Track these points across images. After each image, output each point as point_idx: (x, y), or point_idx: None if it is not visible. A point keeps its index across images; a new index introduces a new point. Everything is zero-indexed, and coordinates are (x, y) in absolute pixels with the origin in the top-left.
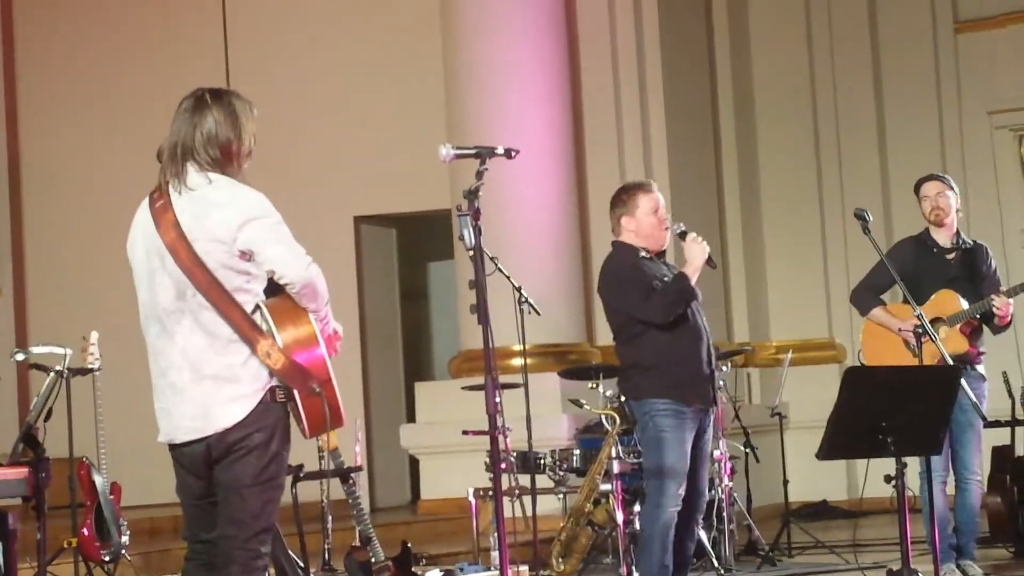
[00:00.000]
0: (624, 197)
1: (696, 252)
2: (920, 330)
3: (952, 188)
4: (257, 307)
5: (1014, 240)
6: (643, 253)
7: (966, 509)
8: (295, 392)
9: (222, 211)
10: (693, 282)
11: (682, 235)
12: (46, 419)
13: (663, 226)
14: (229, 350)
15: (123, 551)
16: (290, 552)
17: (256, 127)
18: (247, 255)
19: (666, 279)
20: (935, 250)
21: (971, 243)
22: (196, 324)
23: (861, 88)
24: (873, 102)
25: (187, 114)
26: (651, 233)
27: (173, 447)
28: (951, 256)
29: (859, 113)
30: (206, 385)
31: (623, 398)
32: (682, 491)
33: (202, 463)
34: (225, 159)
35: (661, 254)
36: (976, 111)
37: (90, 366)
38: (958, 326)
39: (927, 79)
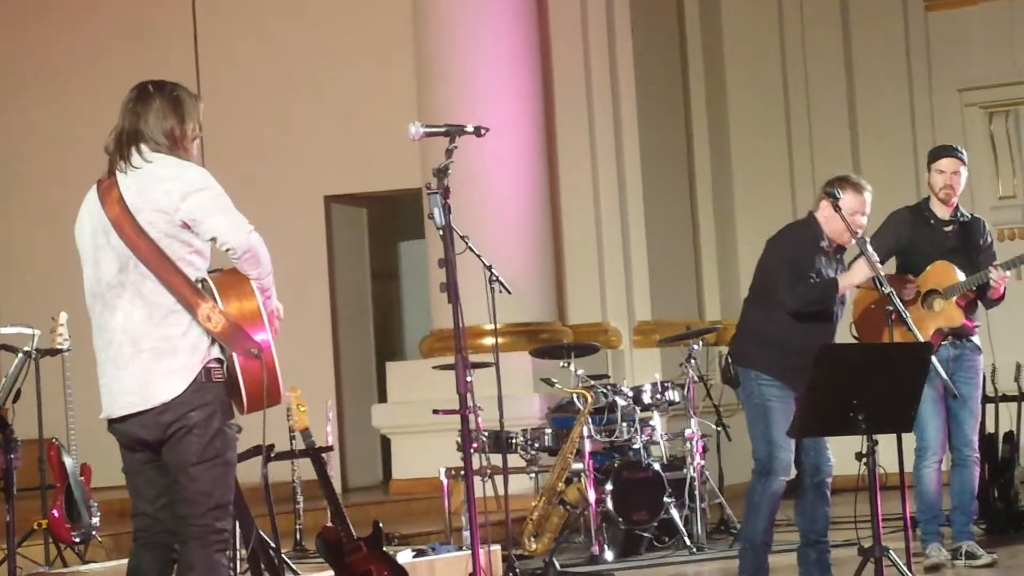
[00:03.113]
0: (837, 184)
1: (859, 271)
2: (891, 308)
3: (966, 164)
4: (202, 281)
5: (985, 218)
6: (824, 242)
7: (964, 487)
8: (234, 358)
9: (165, 184)
10: (841, 291)
11: (862, 248)
12: (15, 400)
13: (853, 230)
14: (168, 321)
15: (93, 532)
16: (261, 533)
17: (201, 116)
18: (189, 226)
19: (826, 275)
20: (932, 222)
21: (969, 216)
22: (137, 296)
23: (832, 65)
24: (844, 79)
25: (131, 104)
26: (839, 231)
27: (111, 424)
28: (949, 228)
29: (830, 90)
30: (144, 358)
31: (729, 360)
32: (791, 461)
33: (136, 442)
34: (171, 144)
35: (840, 249)
36: (947, 88)
37: (59, 347)
38: (954, 298)
39: (898, 56)
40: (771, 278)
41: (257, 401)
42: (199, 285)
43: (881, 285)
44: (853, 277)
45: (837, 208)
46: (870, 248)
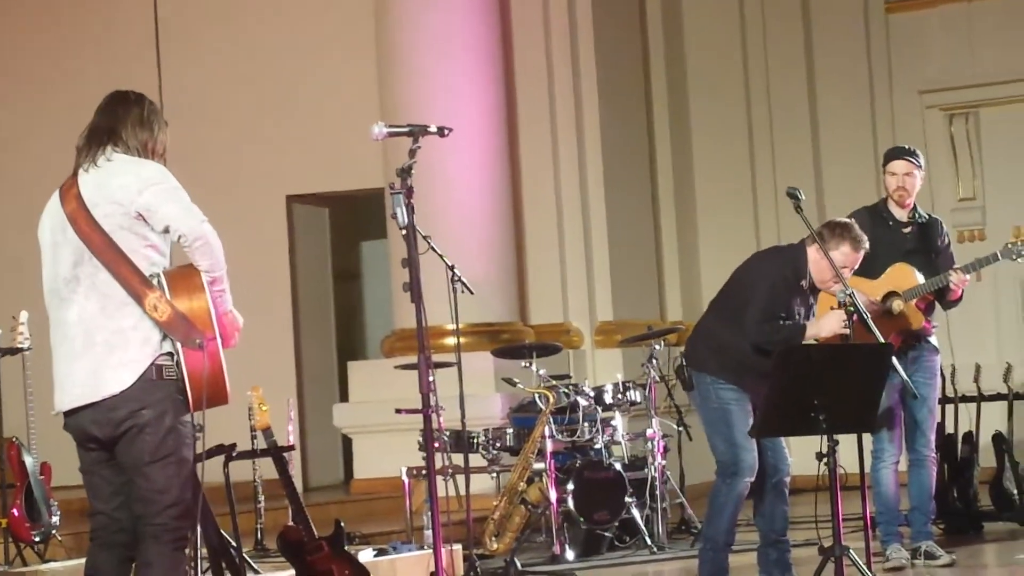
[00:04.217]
0: (839, 231)
1: (828, 326)
2: (852, 309)
3: (920, 166)
4: (156, 275)
5: (945, 219)
6: (804, 281)
7: (923, 487)
8: (180, 350)
9: (122, 178)
10: (805, 340)
11: (841, 304)
12: None
13: (835, 283)
14: (121, 313)
15: (54, 531)
16: (222, 532)
17: (168, 139)
18: (144, 218)
19: (795, 315)
20: (891, 223)
21: (927, 217)
22: (92, 289)
23: (793, 67)
24: (805, 81)
25: (109, 106)
26: (823, 278)
27: (65, 419)
28: (907, 230)
29: (791, 92)
30: (97, 351)
31: (683, 361)
32: (756, 461)
33: (88, 438)
34: (143, 152)
35: (815, 288)
36: (907, 90)
37: (20, 346)
38: (914, 301)
39: (859, 58)
40: (743, 299)
41: (199, 394)
42: (152, 279)
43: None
44: (820, 330)
45: (799, 209)
46: (859, 302)
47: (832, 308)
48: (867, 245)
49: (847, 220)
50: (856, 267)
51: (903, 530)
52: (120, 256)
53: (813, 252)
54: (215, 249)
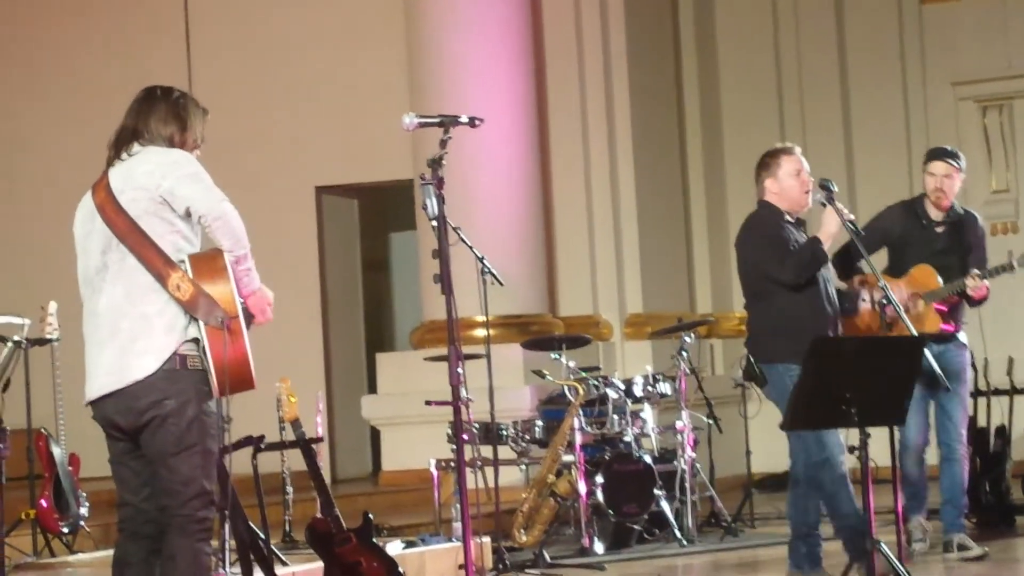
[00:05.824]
0: (768, 160)
1: (830, 219)
2: (884, 301)
3: (960, 168)
4: (182, 260)
5: (978, 212)
6: (787, 217)
7: (955, 482)
8: (204, 333)
9: (148, 165)
10: (826, 247)
11: (824, 204)
12: (4, 390)
13: (805, 189)
14: (146, 299)
15: (82, 522)
16: (251, 524)
17: (206, 128)
18: (168, 202)
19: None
20: (924, 222)
21: (962, 211)
22: (119, 275)
23: (826, 58)
24: (837, 72)
25: (136, 105)
26: (793, 196)
27: (92, 408)
28: (940, 229)
29: (824, 84)
30: (122, 337)
31: (751, 358)
32: (841, 441)
33: (112, 427)
34: (171, 146)
35: (801, 222)
36: (940, 83)
37: (48, 336)
38: (933, 304)
39: (892, 51)
40: (756, 270)
41: (223, 379)
42: (181, 264)
43: (855, 233)
44: (828, 227)
45: (832, 201)
46: (835, 201)
47: (863, 300)
48: (791, 144)
49: (770, 148)
50: (805, 167)
51: (934, 523)
52: (144, 239)
53: (769, 192)
54: (235, 228)
